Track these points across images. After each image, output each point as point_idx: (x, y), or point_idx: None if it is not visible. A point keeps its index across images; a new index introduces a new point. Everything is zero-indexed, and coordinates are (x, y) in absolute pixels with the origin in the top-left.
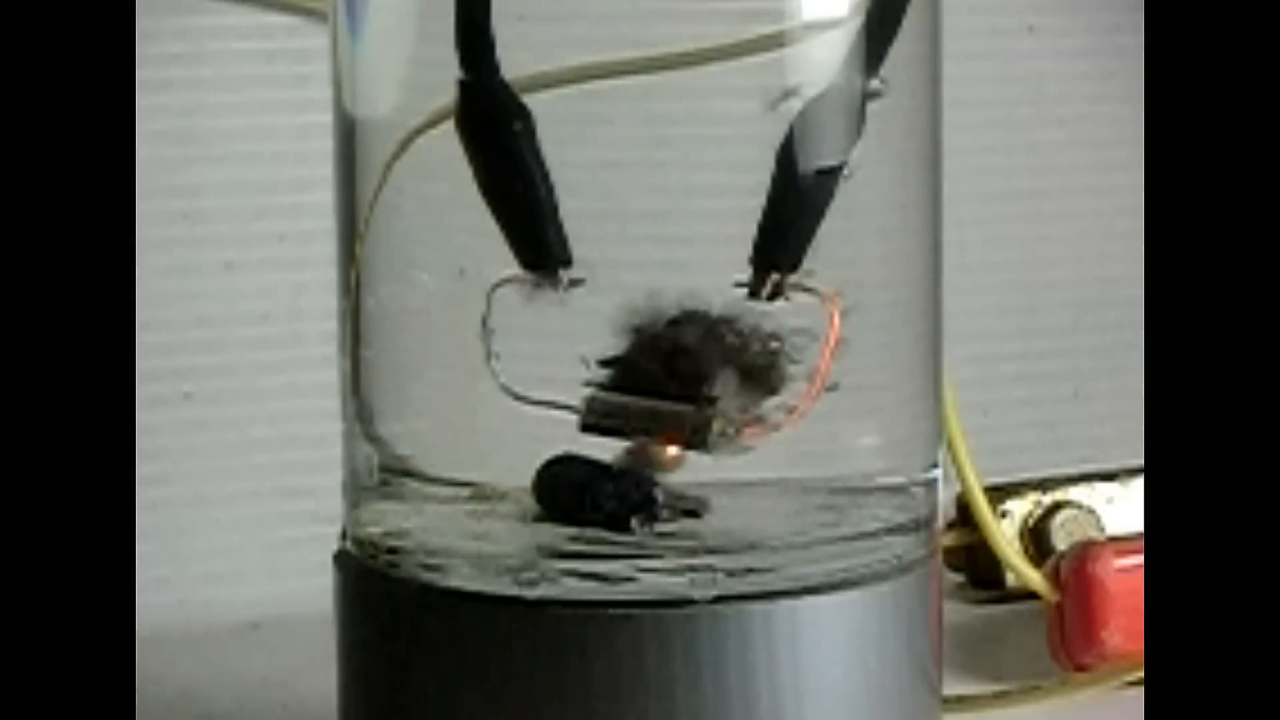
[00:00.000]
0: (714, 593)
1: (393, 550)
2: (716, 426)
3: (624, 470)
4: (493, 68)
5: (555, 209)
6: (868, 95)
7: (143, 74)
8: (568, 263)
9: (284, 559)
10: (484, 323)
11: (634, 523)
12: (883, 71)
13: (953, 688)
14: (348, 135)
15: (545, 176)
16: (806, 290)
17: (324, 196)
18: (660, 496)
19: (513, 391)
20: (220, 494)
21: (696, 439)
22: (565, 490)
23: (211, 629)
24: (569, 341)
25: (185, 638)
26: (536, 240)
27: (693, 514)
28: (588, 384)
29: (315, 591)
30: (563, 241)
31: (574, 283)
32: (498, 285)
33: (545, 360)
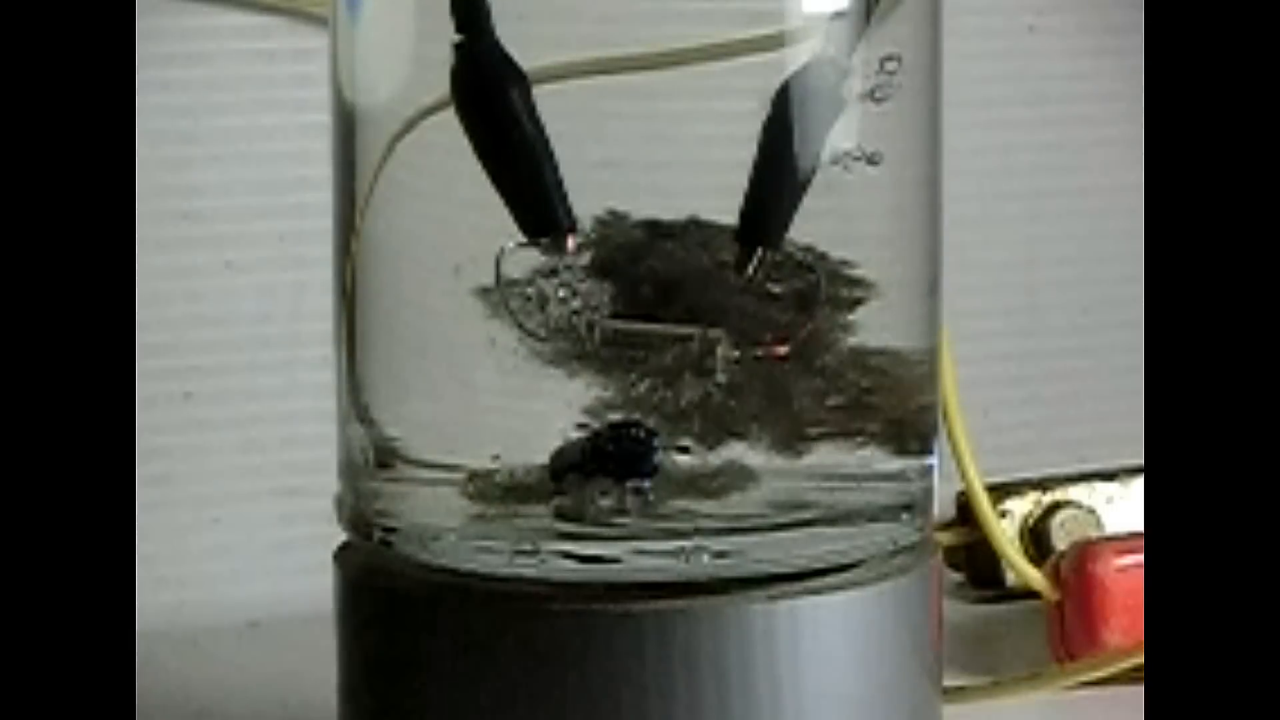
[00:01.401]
0: (706, 574)
1: (388, 530)
2: (721, 350)
3: (627, 422)
4: (488, 31)
5: (557, 175)
6: (877, 92)
7: (143, 74)
8: (573, 228)
9: (284, 559)
10: (497, 281)
11: (629, 483)
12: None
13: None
14: (348, 120)
15: (545, 142)
16: (795, 263)
17: (324, 196)
18: (659, 446)
19: (530, 330)
20: (220, 494)
21: (705, 364)
22: (571, 450)
23: (211, 629)
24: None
25: (185, 638)
26: (540, 205)
27: (685, 450)
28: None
29: (315, 591)
30: (567, 208)
31: (582, 248)
32: (508, 250)
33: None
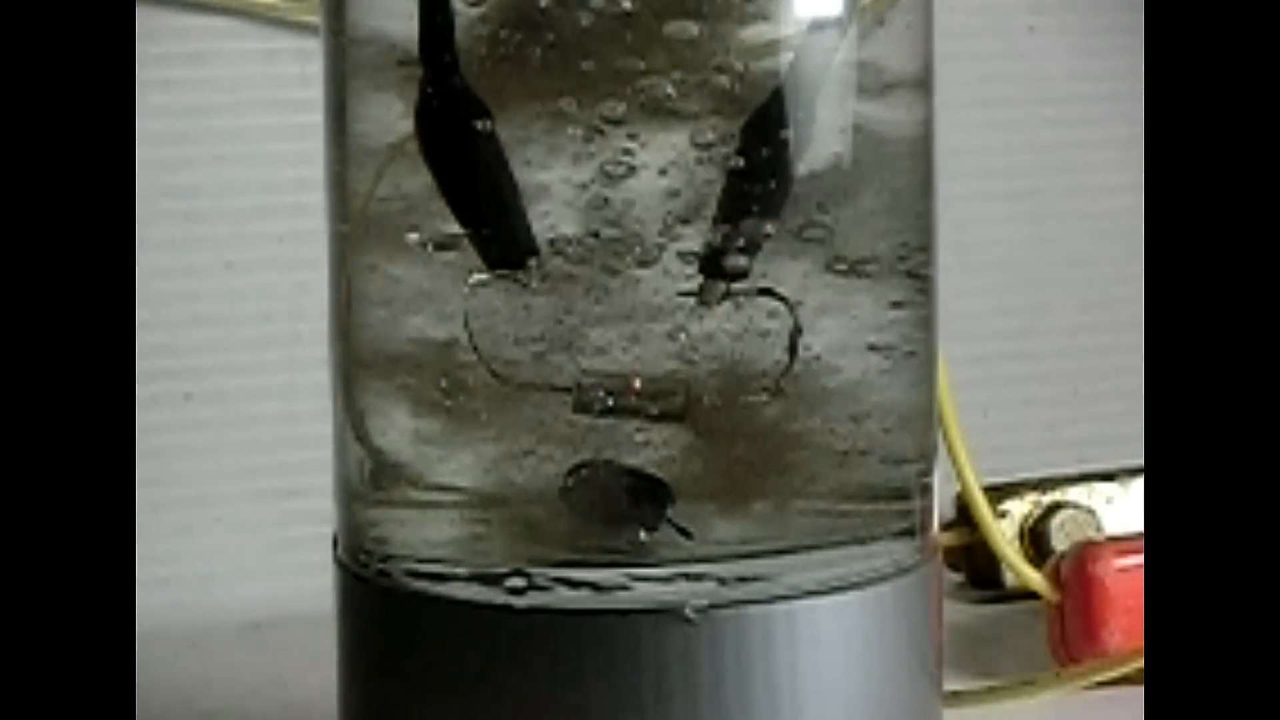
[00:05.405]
0: (706, 601)
1: (384, 559)
2: (702, 399)
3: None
4: (452, 67)
5: (520, 207)
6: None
7: (143, 74)
8: (534, 252)
9: (284, 559)
10: (465, 320)
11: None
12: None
13: (952, 688)
14: (339, 141)
15: (509, 176)
16: (763, 293)
17: (324, 197)
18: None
19: (505, 377)
20: (220, 494)
21: (686, 412)
22: (585, 485)
23: (211, 629)
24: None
25: (185, 638)
26: (500, 242)
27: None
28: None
29: (315, 591)
30: (528, 233)
31: (545, 276)
32: (473, 286)
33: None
